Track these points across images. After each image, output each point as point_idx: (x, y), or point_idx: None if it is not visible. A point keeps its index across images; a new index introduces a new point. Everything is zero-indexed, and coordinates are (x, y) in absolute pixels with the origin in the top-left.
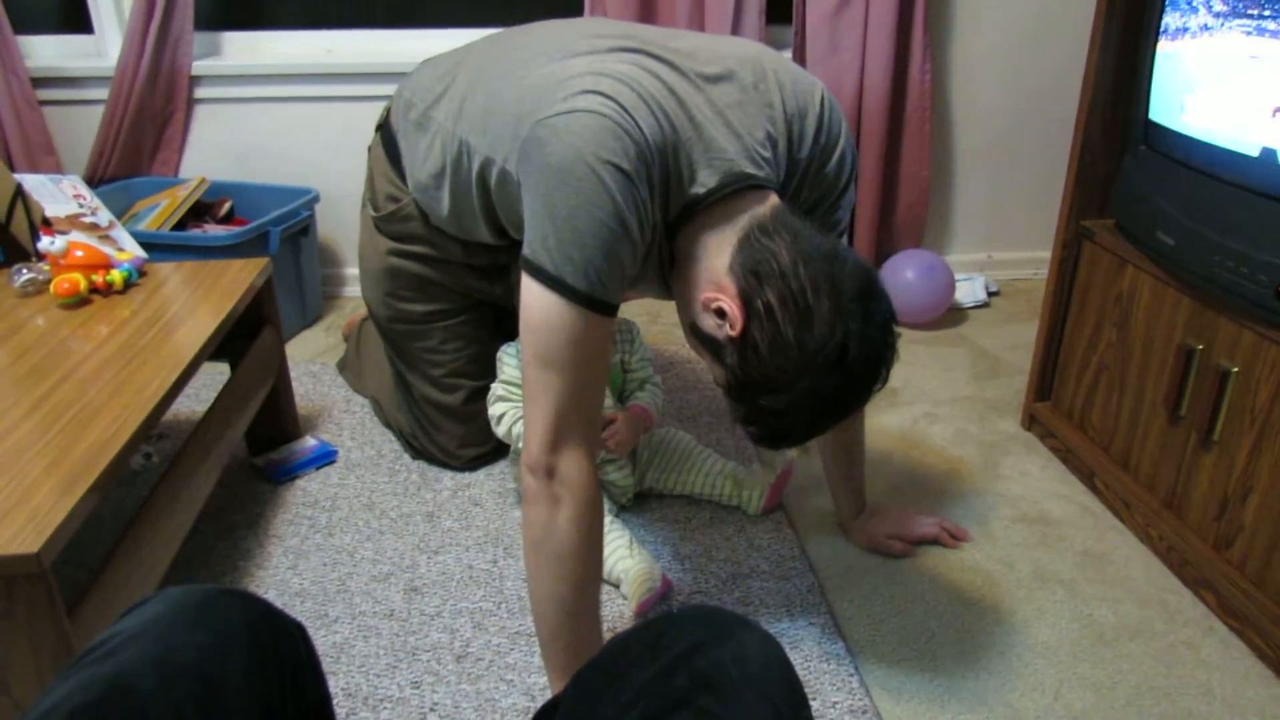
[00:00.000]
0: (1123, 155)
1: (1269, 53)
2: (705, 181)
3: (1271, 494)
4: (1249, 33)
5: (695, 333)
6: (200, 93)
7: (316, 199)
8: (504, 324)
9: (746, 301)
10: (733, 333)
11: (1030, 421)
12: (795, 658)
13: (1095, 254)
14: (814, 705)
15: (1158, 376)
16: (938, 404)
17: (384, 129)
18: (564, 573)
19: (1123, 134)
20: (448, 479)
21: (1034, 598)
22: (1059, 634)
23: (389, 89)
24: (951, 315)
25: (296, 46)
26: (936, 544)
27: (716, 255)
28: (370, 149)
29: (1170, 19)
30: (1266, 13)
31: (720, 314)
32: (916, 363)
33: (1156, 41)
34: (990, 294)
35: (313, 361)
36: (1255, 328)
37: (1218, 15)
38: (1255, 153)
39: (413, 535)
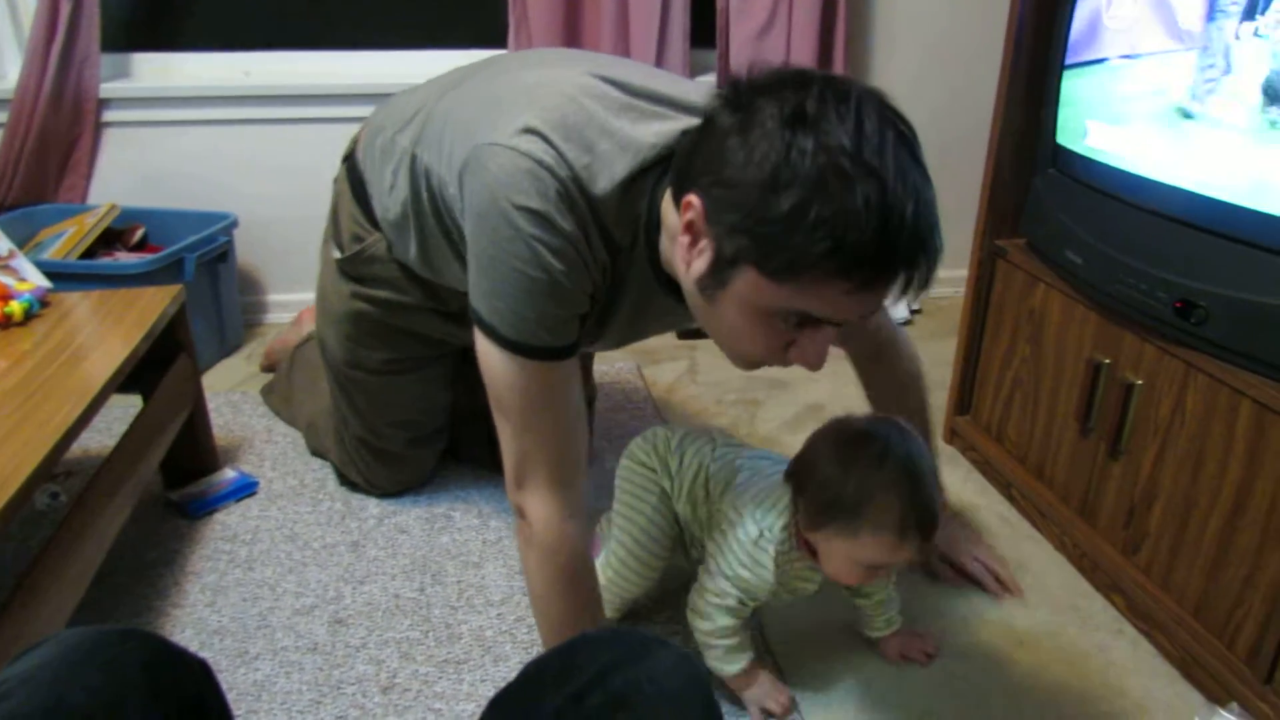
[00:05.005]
0: (1034, 176)
1: (1171, 80)
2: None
3: (1174, 501)
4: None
5: (704, 280)
6: (109, 116)
7: (234, 224)
8: (464, 370)
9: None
10: (695, 217)
11: (951, 435)
12: None
13: (1009, 272)
14: None
15: (1069, 390)
16: None
17: (350, 160)
18: (537, 614)
19: (1033, 156)
20: (373, 506)
21: (955, 606)
22: (979, 641)
23: (310, 111)
24: None
25: (212, 68)
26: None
27: (668, 214)
28: (335, 181)
29: (1074, 49)
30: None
31: (689, 228)
32: (841, 379)
33: (1062, 69)
34: (913, 312)
35: (233, 391)
36: (1157, 342)
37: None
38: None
39: (337, 566)
